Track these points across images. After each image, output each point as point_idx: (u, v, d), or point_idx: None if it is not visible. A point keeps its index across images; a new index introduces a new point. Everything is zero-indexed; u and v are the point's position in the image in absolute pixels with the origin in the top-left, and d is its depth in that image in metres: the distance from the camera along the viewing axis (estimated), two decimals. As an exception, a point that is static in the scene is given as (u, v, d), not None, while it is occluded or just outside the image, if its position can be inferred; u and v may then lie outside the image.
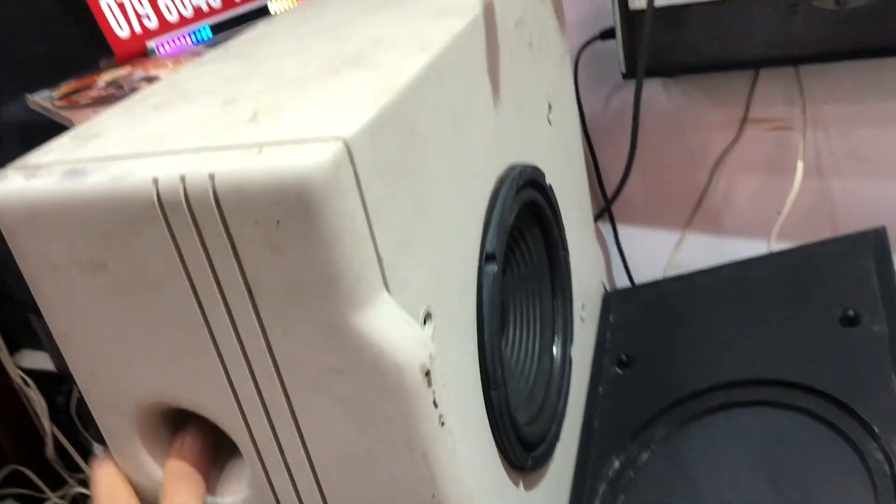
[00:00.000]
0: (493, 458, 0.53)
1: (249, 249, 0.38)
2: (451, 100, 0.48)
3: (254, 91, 0.46)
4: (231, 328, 0.41)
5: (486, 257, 0.52)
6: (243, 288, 0.39)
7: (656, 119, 0.91)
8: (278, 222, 0.36)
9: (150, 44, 0.79)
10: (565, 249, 0.68)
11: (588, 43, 0.88)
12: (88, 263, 0.41)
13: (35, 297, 0.44)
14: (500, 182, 0.55)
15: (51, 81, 0.71)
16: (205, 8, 0.84)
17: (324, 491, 0.45)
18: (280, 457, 0.44)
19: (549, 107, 0.68)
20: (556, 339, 0.67)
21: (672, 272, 0.97)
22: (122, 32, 0.78)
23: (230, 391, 0.43)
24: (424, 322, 0.43)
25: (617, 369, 0.77)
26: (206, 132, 0.41)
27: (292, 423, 0.43)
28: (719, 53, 0.79)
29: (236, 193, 0.36)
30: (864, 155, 0.81)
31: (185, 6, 0.82)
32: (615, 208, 0.96)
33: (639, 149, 0.93)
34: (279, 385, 0.41)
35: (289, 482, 0.45)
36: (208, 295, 0.40)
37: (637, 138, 0.81)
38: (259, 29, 0.66)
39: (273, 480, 0.46)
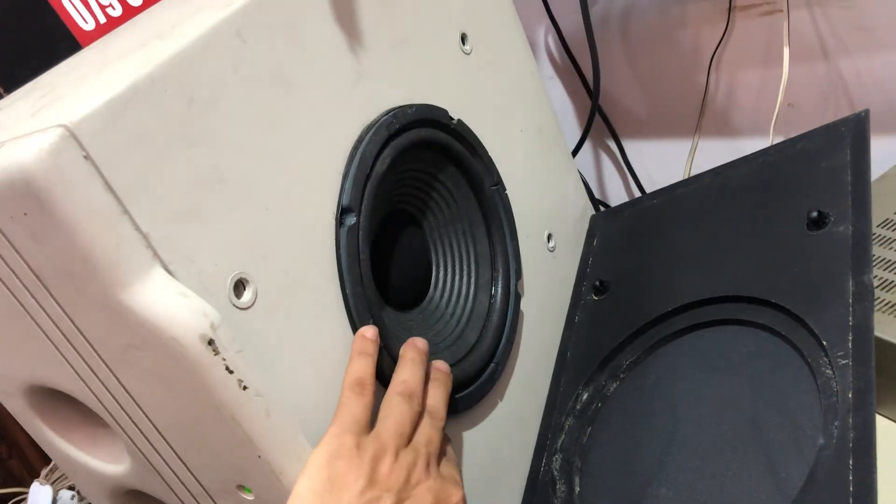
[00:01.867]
0: (384, 407, 0.53)
1: (20, 242, 0.40)
2: (263, 56, 0.47)
3: (69, 80, 0.47)
4: (45, 314, 0.43)
5: (341, 211, 0.51)
6: (34, 277, 0.41)
7: (643, 24, 0.84)
8: (26, 214, 0.38)
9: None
10: (497, 184, 0.65)
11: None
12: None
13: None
14: (367, 129, 0.54)
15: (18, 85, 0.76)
16: (169, -13, 0.86)
17: (181, 456, 0.47)
18: (135, 427, 0.47)
19: (463, 38, 0.65)
20: (496, 275, 0.65)
21: (692, 183, 0.91)
22: (87, 25, 0.82)
23: (72, 370, 0.46)
24: (237, 289, 0.44)
25: (593, 296, 0.74)
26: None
27: (127, 395, 0.45)
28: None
29: (-13, 192, 0.38)
30: (865, 26, 0.70)
31: (148, -11, 0.84)
32: (621, 126, 0.90)
33: (633, 59, 0.87)
34: (101, 362, 0.44)
35: (152, 449, 0.48)
36: (15, 287, 0.42)
37: (595, 47, 0.75)
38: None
39: (140, 448, 0.48)
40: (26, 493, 1.19)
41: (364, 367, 0.49)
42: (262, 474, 0.44)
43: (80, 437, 0.52)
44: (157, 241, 0.40)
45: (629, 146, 0.92)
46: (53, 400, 0.51)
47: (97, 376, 0.45)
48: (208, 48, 0.44)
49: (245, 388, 0.41)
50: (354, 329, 0.51)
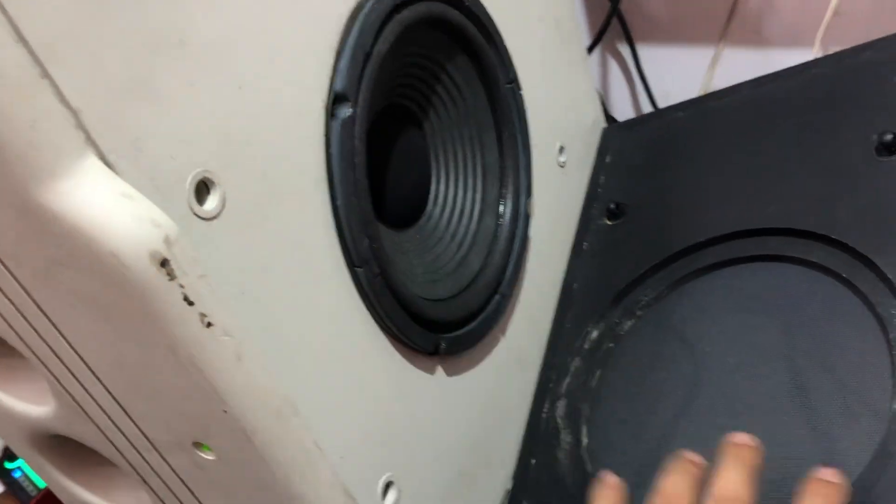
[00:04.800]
0: (376, 346, 0.43)
1: None
2: None
3: None
4: (-66, 214, 0.32)
5: (334, 98, 0.40)
6: (-85, 163, 0.29)
7: None
8: None
9: None
10: (512, 81, 0.54)
11: None
12: None
13: None
14: (367, -4, 0.42)
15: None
16: None
17: (120, 402, 0.37)
18: (60, 364, 0.36)
19: None
20: (504, 192, 0.55)
21: (709, 98, 0.81)
22: None
23: (-24, 291, 0.35)
24: (200, 192, 0.33)
25: (606, 220, 0.64)
26: None
27: (50, 324, 0.34)
28: None
29: None
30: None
31: None
32: (636, 26, 0.79)
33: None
34: (14, 280, 0.33)
35: (84, 392, 0.37)
36: None
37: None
38: None
39: (68, 389, 0.38)
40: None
41: None
42: (227, 432, 0.34)
43: (-10, 369, 0.42)
44: (92, 119, 0.29)
45: (643, 52, 0.81)
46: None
47: (9, 299, 0.34)
48: None
49: (209, 324, 0.31)
50: (345, 251, 0.41)
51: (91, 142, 0.29)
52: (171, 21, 0.32)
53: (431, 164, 0.53)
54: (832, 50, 0.71)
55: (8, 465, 0.95)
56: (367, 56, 0.41)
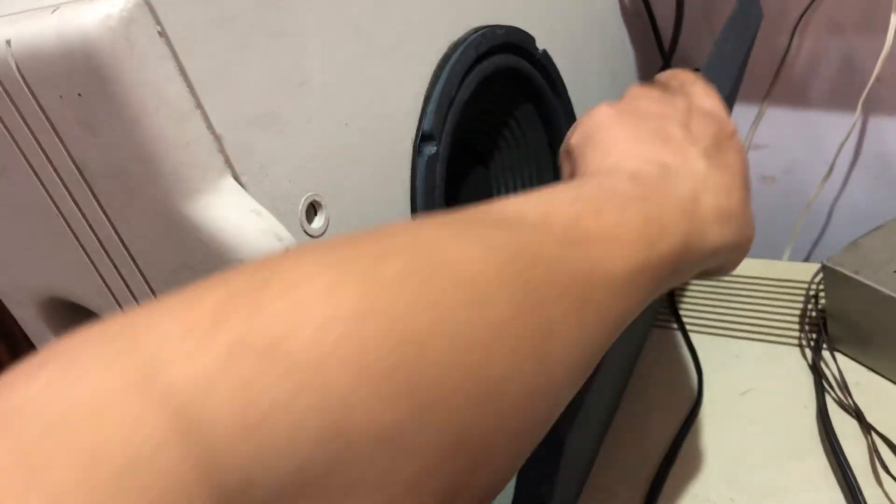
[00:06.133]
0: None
1: (66, 128, 0.33)
2: (359, -54, 0.40)
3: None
4: (81, 217, 0.36)
5: (421, 137, 0.44)
6: (75, 171, 0.34)
7: (730, -27, 0.77)
8: (80, 95, 0.31)
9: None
10: (572, 127, 0.59)
11: None
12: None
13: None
14: (454, 47, 0.47)
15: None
16: None
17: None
18: (168, 357, 0.41)
19: (554, -43, 0.58)
20: (559, 229, 0.59)
21: (750, 152, 0.85)
22: None
23: (104, 285, 0.39)
24: (309, 213, 0.37)
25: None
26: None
27: (167, 322, 0.39)
28: None
29: (33, 61, 0.31)
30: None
31: None
32: (683, 81, 0.84)
33: (707, 10, 0.81)
34: (143, 280, 0.37)
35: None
36: (48, 179, 0.36)
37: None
38: None
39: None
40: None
41: None
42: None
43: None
44: (232, 146, 0.33)
45: (689, 106, 0.85)
46: (74, 315, 0.44)
47: (135, 297, 0.39)
48: (304, -77, 0.37)
49: (313, 329, 0.35)
50: (421, 272, 0.45)
51: (229, 164, 0.33)
52: (295, 65, 0.36)
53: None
54: (873, 114, 0.76)
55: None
56: (451, 101, 0.46)
